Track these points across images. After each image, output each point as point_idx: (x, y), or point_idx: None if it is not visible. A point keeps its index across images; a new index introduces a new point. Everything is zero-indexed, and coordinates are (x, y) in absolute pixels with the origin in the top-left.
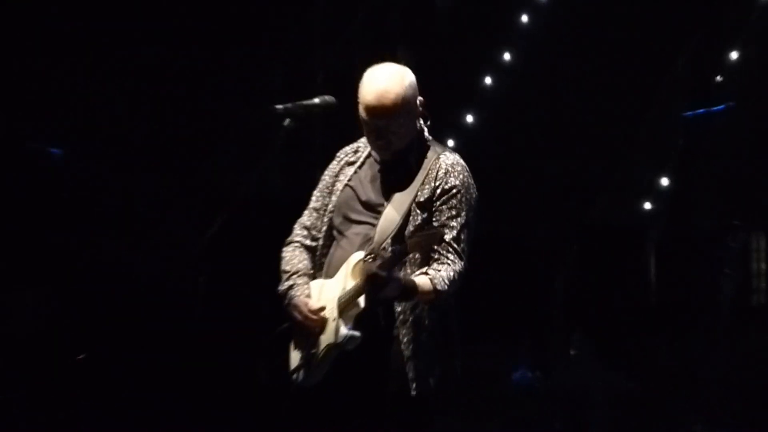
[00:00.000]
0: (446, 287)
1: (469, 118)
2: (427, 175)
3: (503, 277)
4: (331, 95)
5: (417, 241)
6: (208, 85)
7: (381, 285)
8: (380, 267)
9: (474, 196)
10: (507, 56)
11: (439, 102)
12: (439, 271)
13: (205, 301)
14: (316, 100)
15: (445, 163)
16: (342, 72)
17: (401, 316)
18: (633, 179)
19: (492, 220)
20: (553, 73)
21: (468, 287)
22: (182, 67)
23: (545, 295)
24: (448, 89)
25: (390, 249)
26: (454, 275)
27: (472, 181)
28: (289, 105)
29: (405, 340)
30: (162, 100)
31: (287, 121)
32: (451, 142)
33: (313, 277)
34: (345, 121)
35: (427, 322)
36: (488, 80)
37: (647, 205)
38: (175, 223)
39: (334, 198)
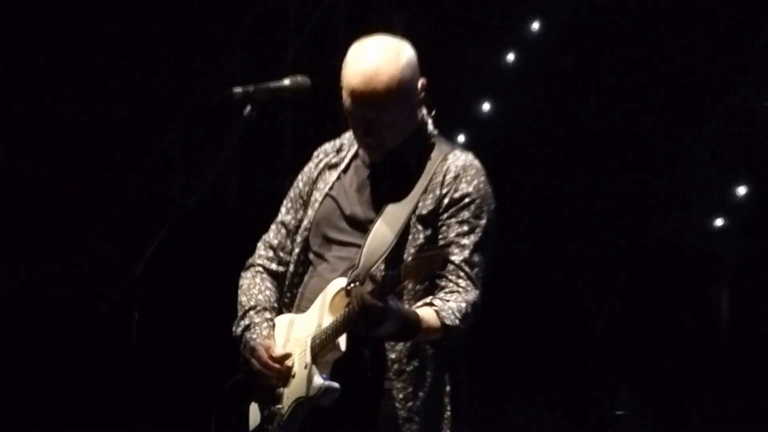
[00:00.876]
0: (457, 322)
1: (486, 107)
2: (431, 180)
3: (528, 314)
4: (305, 75)
5: (413, 265)
6: (147, 65)
7: (375, 318)
8: (373, 294)
9: (492, 207)
10: (535, 26)
11: (446, 86)
12: (448, 301)
13: (142, 338)
14: (286, 82)
15: (455, 165)
16: (320, 46)
17: (396, 365)
18: (699, 188)
19: (514, 239)
20: (596, 51)
21: (482, 327)
22: (114, 42)
23: (583, 338)
24: (459, 69)
25: (380, 275)
26: (466, 307)
27: (490, 189)
28: (250, 88)
29: (401, 396)
30: (87, 84)
31: (248, 109)
32: (462, 138)
33: (279, 311)
34: (324, 110)
35: (429, 372)
36: (510, 58)
37: (718, 222)
38: (104, 239)
39: (310, 211)
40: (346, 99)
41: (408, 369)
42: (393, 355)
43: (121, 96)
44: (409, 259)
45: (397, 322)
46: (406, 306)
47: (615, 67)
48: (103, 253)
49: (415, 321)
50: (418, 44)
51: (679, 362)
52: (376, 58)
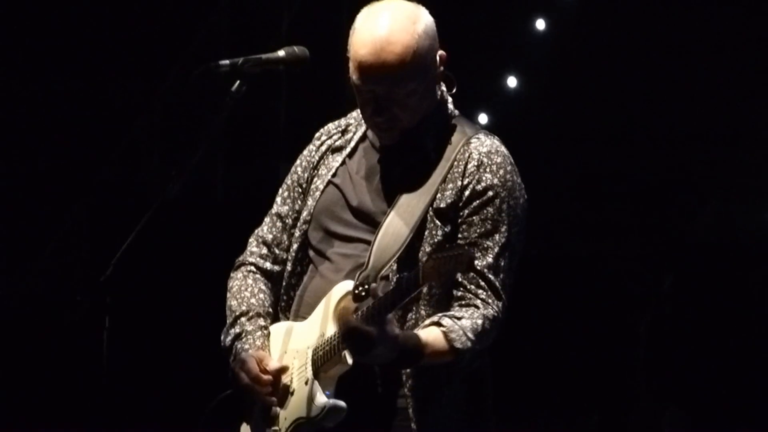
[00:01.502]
0: (470, 344)
1: (512, 82)
2: (452, 168)
3: (561, 321)
4: (303, 46)
5: (433, 266)
6: (120, 33)
7: (364, 345)
8: (366, 316)
9: (521, 201)
10: None
11: (469, 59)
12: (460, 319)
13: (114, 350)
14: (281, 54)
15: (478, 152)
16: (321, 12)
17: (410, 381)
18: (760, 176)
19: (544, 236)
20: (639, 16)
21: (508, 336)
22: (81, 7)
23: (624, 350)
24: (481, 39)
25: (394, 279)
26: (483, 324)
27: (519, 179)
28: (239, 60)
29: (416, 417)
30: (50, 55)
31: (237, 85)
32: (484, 119)
33: (276, 317)
34: (325, 87)
35: (448, 390)
36: (541, 25)
37: None
38: (71, 234)
39: (310, 201)
40: (353, 72)
41: (424, 384)
42: (408, 371)
43: (89, 69)
44: (428, 258)
45: (393, 348)
46: (422, 312)
47: (661, 35)
48: (70, 251)
49: (416, 346)
50: (436, 10)
51: (735, 377)
52: (388, 25)
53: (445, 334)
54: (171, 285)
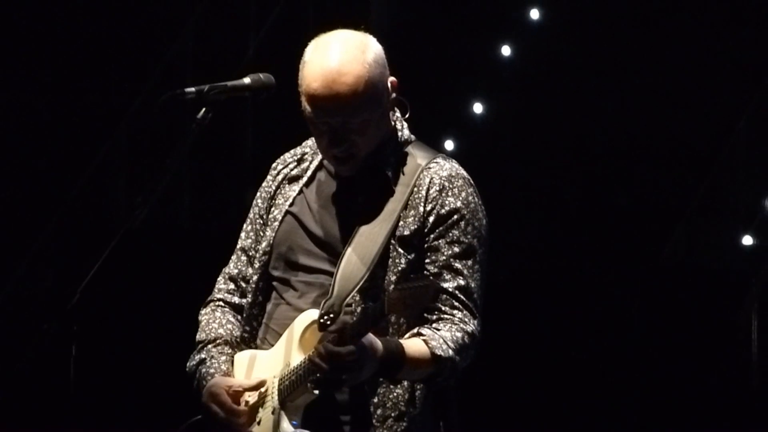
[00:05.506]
0: (451, 353)
1: (477, 108)
2: (412, 194)
3: (530, 346)
4: (269, 73)
5: (399, 297)
6: (83, 59)
7: (353, 366)
8: (341, 339)
9: (484, 222)
10: (535, 14)
11: (433, 84)
12: (439, 330)
13: (80, 379)
14: (246, 81)
15: (439, 176)
16: (286, 38)
17: (378, 410)
18: (727, 202)
19: (513, 259)
20: (605, 42)
21: (478, 362)
22: (46, 33)
23: (596, 373)
24: (447, 64)
25: (359, 309)
26: (463, 337)
27: (479, 200)
28: (204, 88)
29: None
30: (12, 83)
31: (202, 112)
32: (449, 145)
33: (241, 347)
34: (291, 114)
35: (418, 416)
36: (506, 51)
37: (747, 240)
38: (36, 262)
39: (269, 232)
40: (306, 105)
41: (393, 413)
42: (375, 399)
43: (53, 96)
44: (393, 289)
45: (374, 359)
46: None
47: (629, 60)
48: (35, 280)
49: (398, 351)
50: (400, 35)
51: (702, 399)
52: (339, 57)
53: (425, 341)
54: (137, 313)
